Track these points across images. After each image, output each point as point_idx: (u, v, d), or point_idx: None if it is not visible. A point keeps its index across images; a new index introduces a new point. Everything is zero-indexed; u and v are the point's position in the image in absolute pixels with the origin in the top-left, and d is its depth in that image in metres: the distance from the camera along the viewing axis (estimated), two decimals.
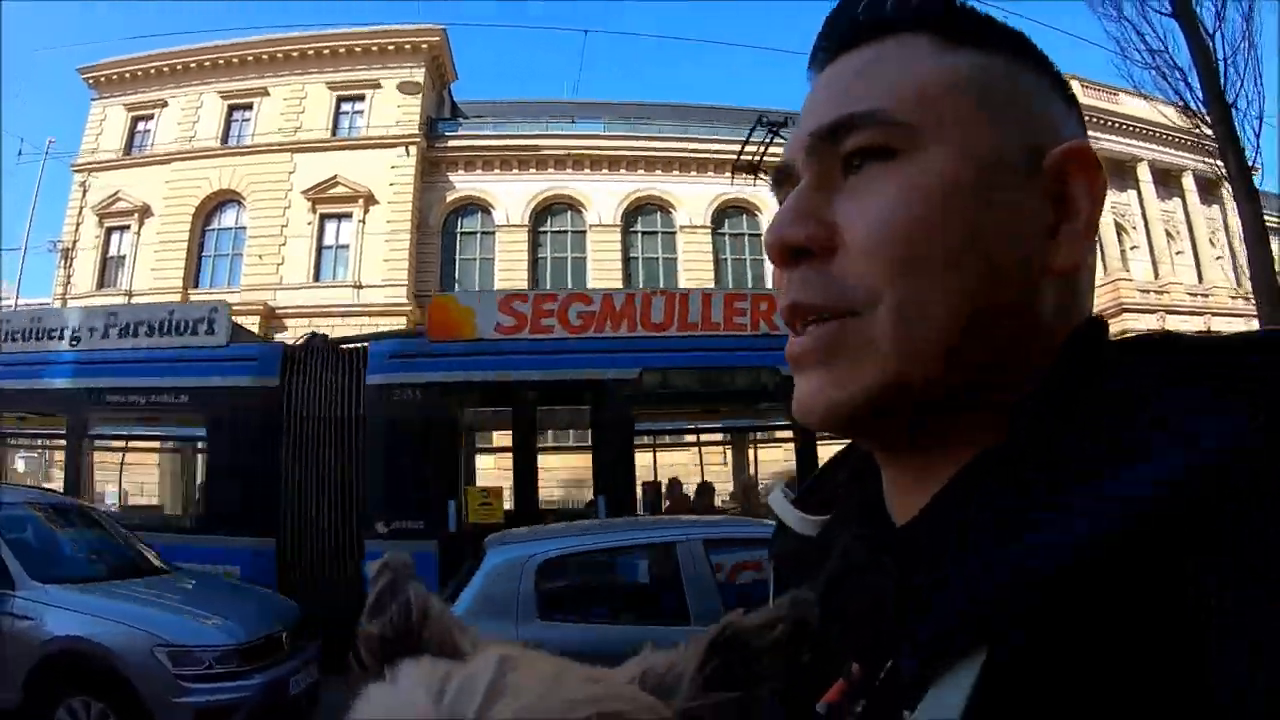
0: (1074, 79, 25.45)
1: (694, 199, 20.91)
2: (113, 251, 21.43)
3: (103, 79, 22.49)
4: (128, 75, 22.25)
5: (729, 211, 21.45)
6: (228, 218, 20.85)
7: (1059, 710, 0.26)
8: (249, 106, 21.28)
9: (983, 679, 0.27)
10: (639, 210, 20.97)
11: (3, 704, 3.63)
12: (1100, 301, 24.15)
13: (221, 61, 21.48)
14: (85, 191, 21.77)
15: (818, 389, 0.37)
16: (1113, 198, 25.06)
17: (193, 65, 21.70)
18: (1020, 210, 0.36)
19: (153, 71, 22.01)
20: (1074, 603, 0.26)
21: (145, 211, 20.95)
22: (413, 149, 19.66)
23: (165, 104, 21.82)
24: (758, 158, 9.41)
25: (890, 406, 0.36)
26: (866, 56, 0.40)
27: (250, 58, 21.26)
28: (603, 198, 20.53)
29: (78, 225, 21.65)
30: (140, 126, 22.10)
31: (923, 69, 0.38)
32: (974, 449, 0.35)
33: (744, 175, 9.63)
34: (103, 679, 3.67)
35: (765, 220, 21.88)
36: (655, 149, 20.92)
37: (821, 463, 0.49)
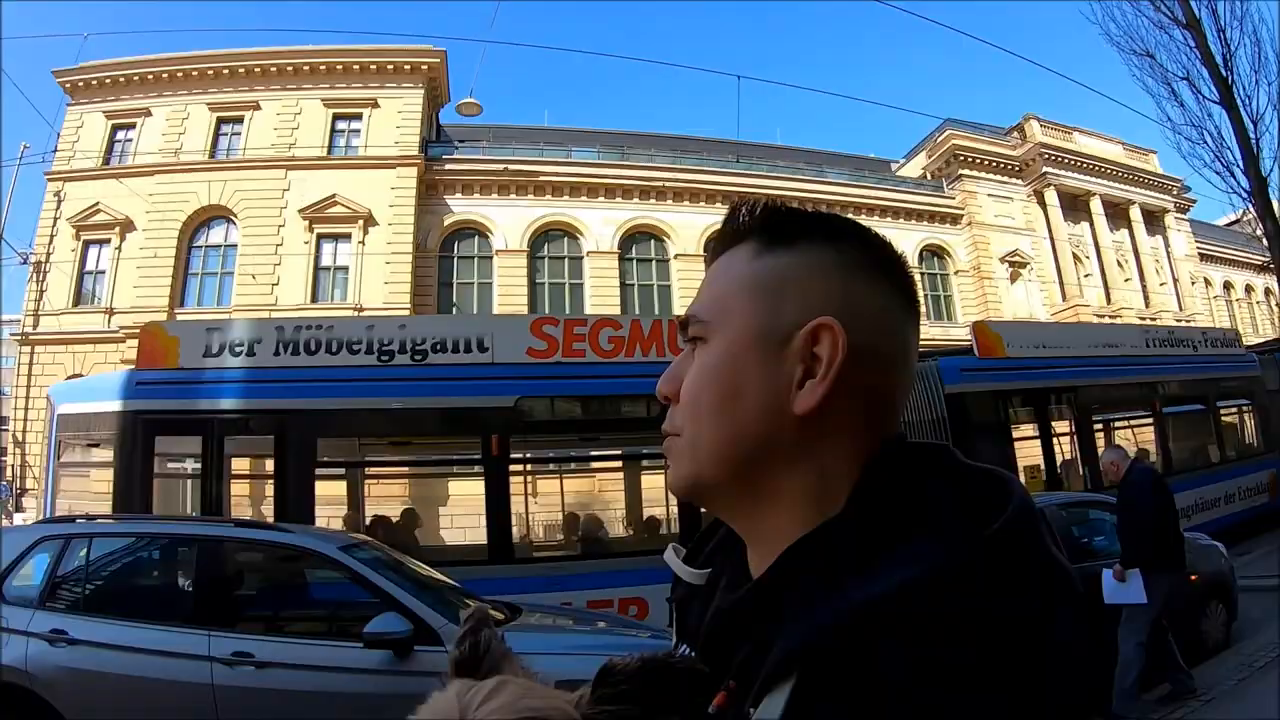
0: (1033, 118, 27.15)
1: (687, 228, 21.59)
2: (90, 266, 20.75)
3: (80, 84, 21.68)
4: (108, 81, 21.51)
5: None
6: (216, 234, 20.44)
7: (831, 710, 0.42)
8: (239, 120, 20.88)
9: (793, 692, 0.44)
10: (634, 238, 21.53)
11: None
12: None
13: (210, 72, 21.02)
14: (60, 202, 20.97)
15: (669, 476, 0.59)
16: (1069, 229, 26.83)
17: (179, 74, 21.17)
18: (773, 370, 0.53)
19: (136, 79, 21.36)
20: (825, 661, 0.43)
21: (127, 225, 20.35)
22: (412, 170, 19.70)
23: (149, 113, 21.21)
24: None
25: (698, 491, 0.57)
26: (719, 263, 0.59)
27: (241, 69, 20.87)
28: (599, 225, 21.00)
29: (51, 237, 20.84)
30: (121, 135, 21.41)
31: (730, 275, 0.57)
32: (775, 522, 0.53)
33: None
34: None
35: None
36: (650, 178, 21.50)
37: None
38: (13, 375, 20.24)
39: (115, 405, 6.38)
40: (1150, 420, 9.89)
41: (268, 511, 7.09)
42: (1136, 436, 10.22)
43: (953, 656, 0.41)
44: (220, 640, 3.62)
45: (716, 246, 0.60)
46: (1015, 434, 8.58)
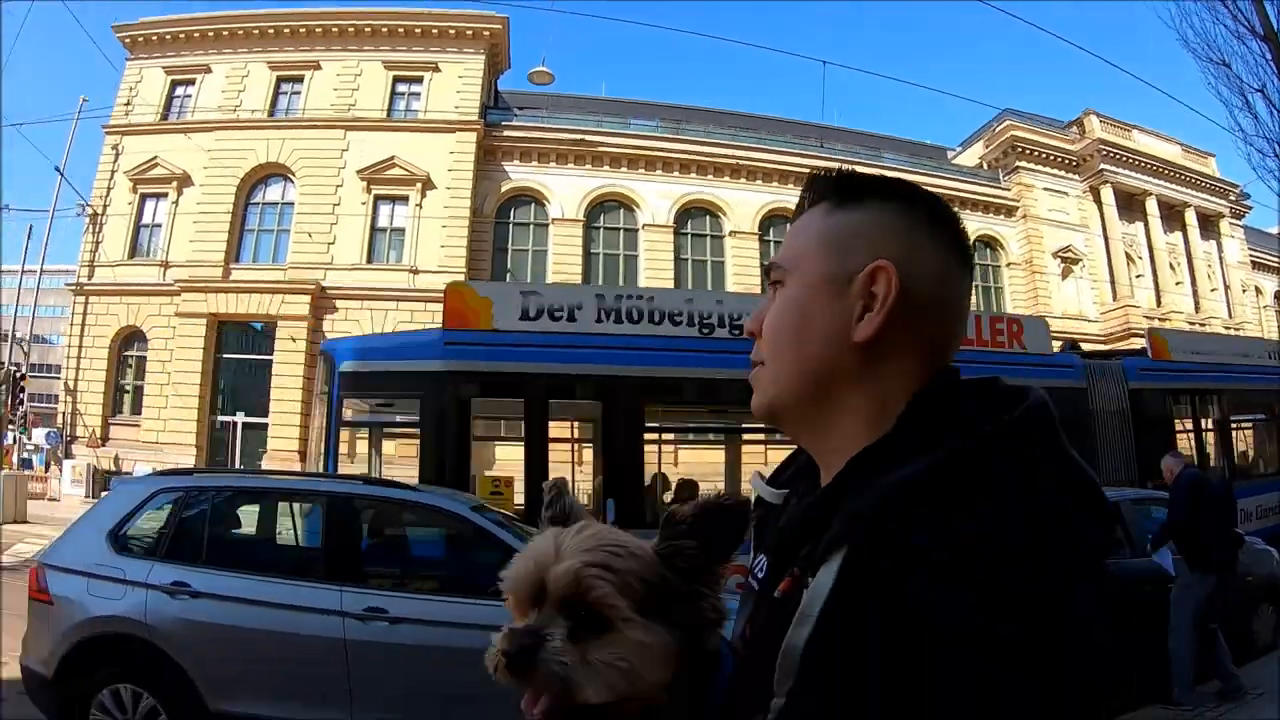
0: (1092, 113, 26.67)
1: (743, 205, 21.35)
2: (146, 219, 20.81)
3: (140, 39, 21.75)
4: (168, 37, 21.55)
5: (774, 220, 21.96)
6: (273, 192, 20.44)
7: (866, 578, 0.49)
8: (299, 79, 20.87)
9: (844, 561, 0.50)
10: (689, 213, 21.32)
11: None
12: (1110, 325, 25.49)
13: (271, 31, 21.00)
14: (118, 155, 21.04)
15: (753, 403, 0.67)
16: (1123, 228, 26.36)
17: (240, 32, 21.17)
18: (836, 309, 0.61)
19: (196, 35, 21.39)
20: (868, 534, 0.50)
21: (185, 180, 20.38)
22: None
23: (209, 70, 21.22)
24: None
25: (776, 413, 0.65)
26: (800, 221, 0.68)
27: (302, 29, 20.84)
28: (656, 198, 20.81)
29: (109, 190, 20.93)
30: (180, 91, 21.45)
31: (807, 229, 0.66)
32: (840, 442, 0.60)
33: None
34: None
35: None
36: (708, 154, 21.28)
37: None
38: (66, 324, 20.32)
39: (425, 365, 6.30)
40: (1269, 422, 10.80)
41: (585, 474, 7.28)
42: (1257, 437, 11.12)
43: (969, 524, 0.49)
44: (353, 595, 3.56)
45: (798, 208, 0.68)
46: (1176, 426, 9.40)
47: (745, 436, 7.93)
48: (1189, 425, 9.77)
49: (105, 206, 20.75)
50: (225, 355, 19.51)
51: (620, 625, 0.54)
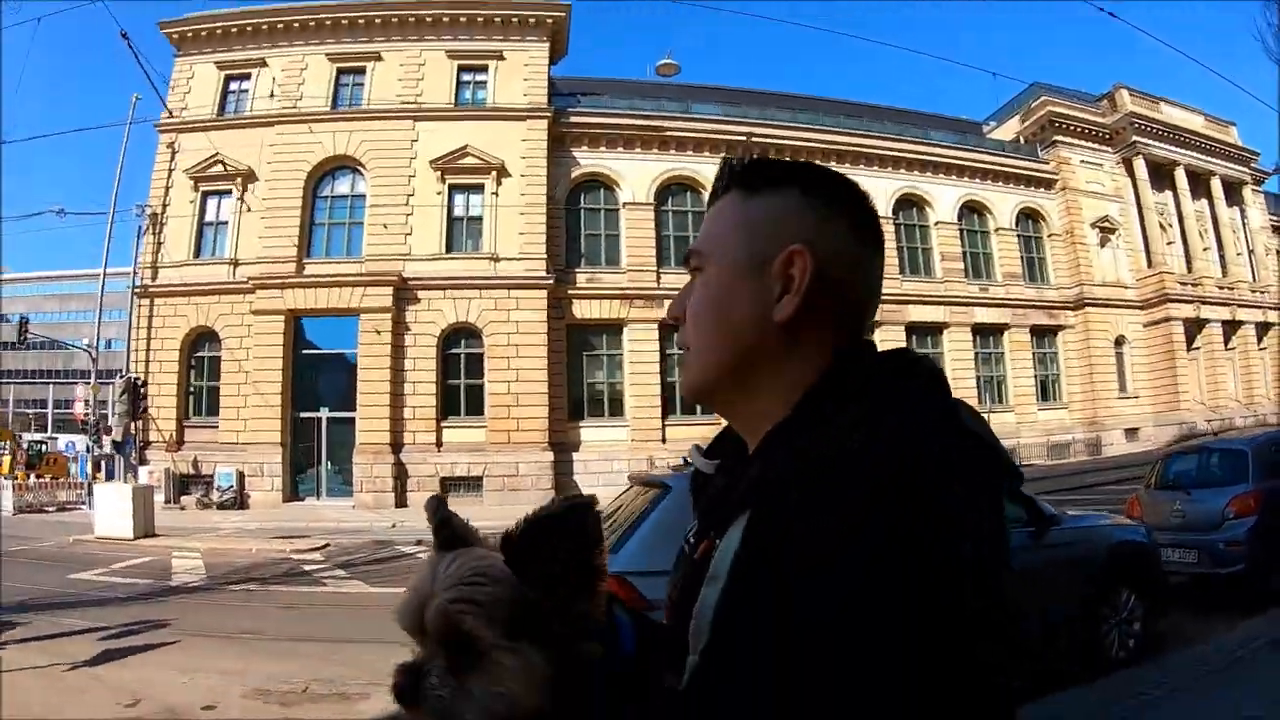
0: (1122, 88, 27.37)
1: None
2: (209, 217, 20.54)
3: (189, 35, 21.37)
4: (219, 32, 21.20)
5: None
6: (341, 184, 20.28)
7: (760, 538, 0.56)
8: (360, 70, 20.68)
9: (748, 521, 0.58)
10: None
11: None
12: (1146, 291, 26.30)
13: (329, 22, 20.77)
14: (174, 153, 20.71)
15: (681, 384, 0.78)
16: (1155, 197, 27.17)
17: (295, 25, 20.90)
18: (755, 292, 0.64)
19: (249, 29, 21.07)
20: (766, 495, 0.57)
21: (249, 176, 20.14)
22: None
23: (264, 64, 20.93)
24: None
25: (702, 393, 0.69)
26: (715, 208, 0.71)
27: (361, 20, 20.64)
28: None
29: (167, 189, 20.61)
30: (234, 86, 21.16)
31: (723, 216, 0.69)
32: (762, 420, 0.64)
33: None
34: None
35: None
36: (769, 135, 21.56)
37: None
38: (131, 329, 19.98)
39: None
40: None
41: None
42: None
43: (843, 478, 0.53)
44: None
45: (712, 195, 0.72)
46: None
47: None
48: None
49: (165, 206, 20.46)
50: (304, 351, 19.38)
51: (493, 654, 0.56)
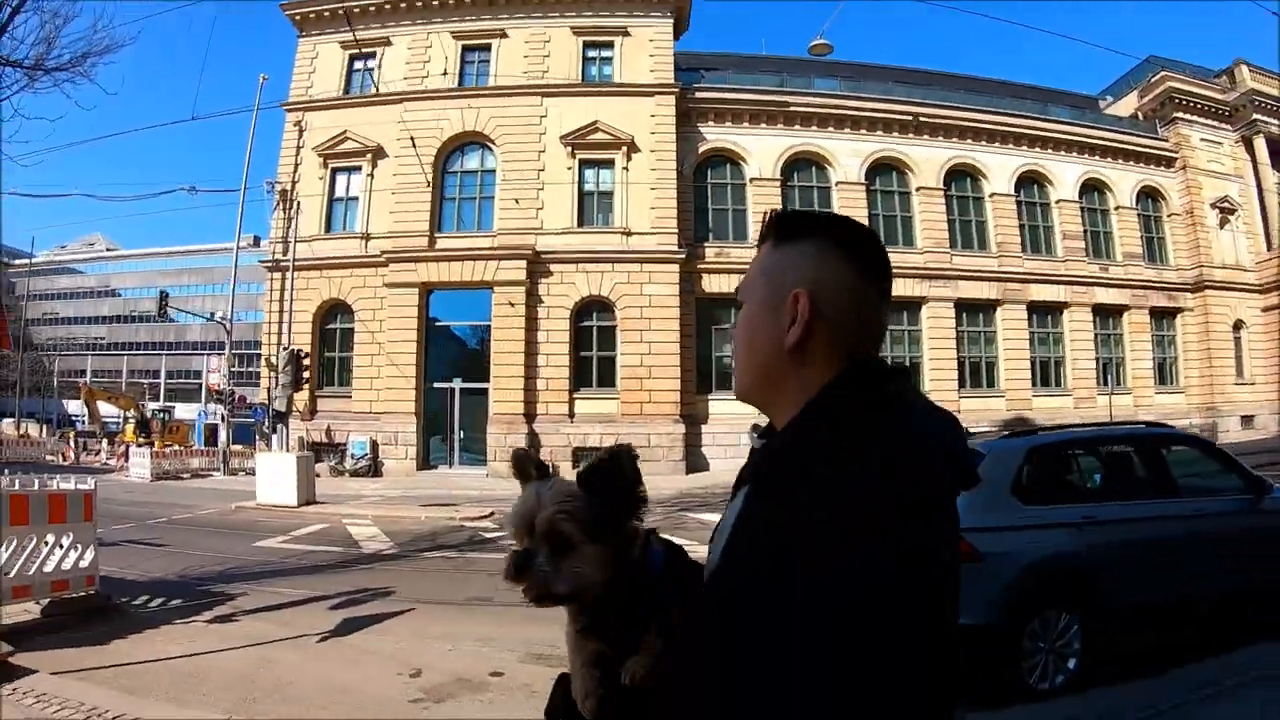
0: (1242, 64, 26.37)
1: (928, 162, 21.32)
2: (339, 193, 20.94)
3: (311, 16, 21.78)
4: (341, 12, 21.47)
5: (956, 175, 21.94)
6: (471, 160, 20.50)
7: (761, 505, 0.75)
8: (485, 48, 20.86)
9: (749, 489, 0.78)
10: (876, 170, 21.31)
11: None
12: (1265, 275, 25.40)
13: (451, 1, 20.99)
14: (301, 132, 21.15)
15: (733, 388, 0.93)
16: (1275, 177, 26.18)
17: (419, 4, 21.14)
18: (772, 324, 0.82)
19: (371, 9, 21.36)
20: (766, 468, 0.78)
21: (378, 152, 20.47)
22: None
23: (389, 42, 21.24)
24: None
25: (746, 397, 0.88)
26: (757, 255, 0.89)
27: None
28: (846, 156, 20.80)
29: (295, 166, 21.06)
30: (359, 65, 21.47)
31: (757, 263, 0.87)
32: (784, 417, 0.82)
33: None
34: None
35: (988, 185, 22.36)
36: (892, 111, 21.25)
37: None
38: (265, 300, 20.49)
39: None
40: None
41: None
42: None
43: (811, 454, 0.72)
44: (1149, 506, 4.43)
45: (760, 239, 0.89)
46: None
47: None
48: None
49: (294, 183, 20.91)
50: (437, 322, 19.66)
51: (578, 545, 0.84)
